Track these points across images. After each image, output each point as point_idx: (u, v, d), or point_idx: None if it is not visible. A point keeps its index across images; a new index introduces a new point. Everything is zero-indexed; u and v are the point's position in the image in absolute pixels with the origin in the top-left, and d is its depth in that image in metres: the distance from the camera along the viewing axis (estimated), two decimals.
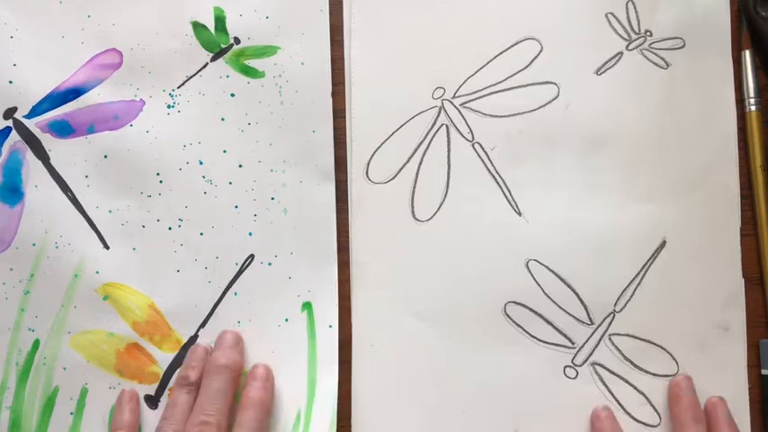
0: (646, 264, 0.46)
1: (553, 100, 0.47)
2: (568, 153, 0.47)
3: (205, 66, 0.46)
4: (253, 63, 0.46)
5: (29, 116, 0.45)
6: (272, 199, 0.45)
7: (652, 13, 0.48)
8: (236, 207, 0.45)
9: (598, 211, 0.46)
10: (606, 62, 0.47)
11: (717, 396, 0.44)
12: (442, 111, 0.47)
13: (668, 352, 0.45)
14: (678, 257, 0.46)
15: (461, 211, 0.46)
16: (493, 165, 0.47)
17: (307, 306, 0.45)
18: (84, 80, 0.45)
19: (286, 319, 0.44)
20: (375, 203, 0.47)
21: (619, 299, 0.46)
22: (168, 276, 0.45)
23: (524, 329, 0.46)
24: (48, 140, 0.45)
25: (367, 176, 0.47)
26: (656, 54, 0.47)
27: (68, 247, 0.44)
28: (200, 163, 0.45)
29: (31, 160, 0.45)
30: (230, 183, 0.45)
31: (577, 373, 0.45)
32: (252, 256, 0.45)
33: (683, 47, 0.47)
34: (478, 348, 0.45)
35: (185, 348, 0.44)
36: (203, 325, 0.44)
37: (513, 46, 0.47)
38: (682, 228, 0.46)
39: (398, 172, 0.47)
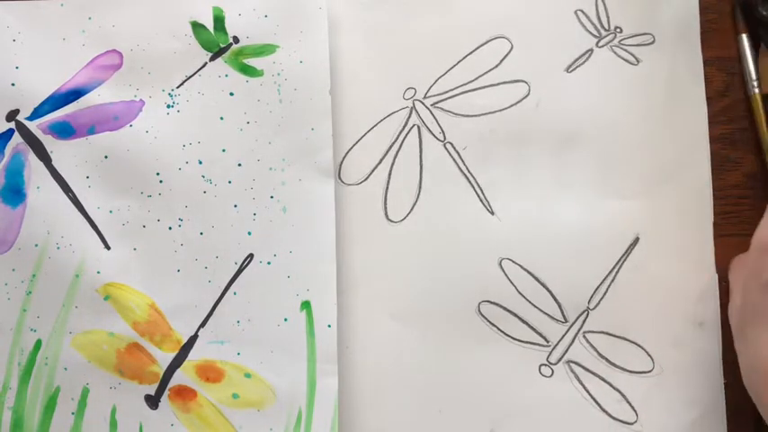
0: (619, 261, 0.46)
1: (524, 98, 0.47)
2: (540, 151, 0.47)
3: (204, 65, 0.46)
4: (251, 62, 0.46)
5: (31, 118, 0.45)
6: (272, 197, 0.45)
7: (622, 10, 0.48)
8: (236, 206, 0.45)
9: (570, 209, 0.46)
10: (576, 59, 0.47)
11: None
12: (414, 111, 0.47)
13: (643, 348, 0.45)
14: (651, 254, 0.46)
15: (434, 211, 0.46)
16: (465, 164, 0.47)
17: (306, 305, 0.44)
18: (84, 81, 0.45)
19: (285, 319, 0.44)
20: (348, 205, 0.46)
21: (592, 296, 0.46)
22: (169, 276, 0.44)
23: (499, 328, 0.45)
24: (49, 142, 0.45)
25: (339, 178, 0.47)
26: (626, 50, 0.47)
27: (70, 248, 0.44)
28: (200, 162, 0.45)
29: (33, 162, 0.45)
30: (229, 182, 0.45)
31: (552, 371, 0.45)
32: (251, 256, 0.45)
33: (652, 42, 0.47)
34: (453, 348, 0.45)
35: (185, 348, 0.44)
36: (203, 324, 0.44)
37: (483, 45, 0.47)
38: (655, 224, 0.46)
39: (371, 173, 0.47)
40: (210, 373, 0.44)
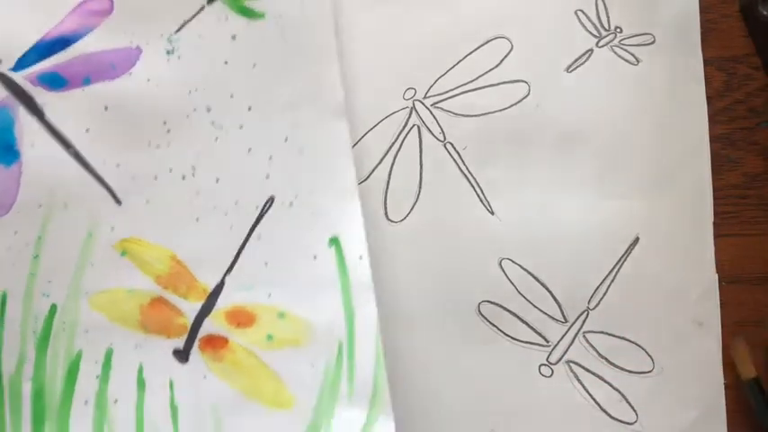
0: (619, 260, 0.46)
1: (524, 98, 0.47)
2: (540, 151, 0.47)
3: (202, 9, 0.44)
4: (251, 4, 0.44)
5: (15, 69, 0.43)
6: (286, 140, 0.44)
7: (622, 10, 0.48)
8: (250, 150, 0.43)
9: (571, 209, 0.46)
10: (576, 59, 0.47)
11: None
12: (414, 111, 0.47)
13: (643, 348, 0.45)
14: (651, 254, 0.46)
15: (434, 211, 0.46)
16: (465, 164, 0.47)
17: (334, 241, 0.43)
18: (72, 28, 0.43)
19: (314, 256, 0.43)
20: None
21: (592, 296, 0.46)
22: (187, 226, 0.43)
23: (499, 328, 0.45)
24: (40, 94, 0.43)
25: None
26: (626, 50, 0.47)
27: (78, 206, 0.42)
28: (208, 109, 0.43)
29: (23, 117, 0.42)
30: (241, 127, 0.43)
31: (552, 371, 0.45)
32: (272, 198, 0.43)
33: (653, 43, 0.47)
34: (453, 348, 0.45)
35: (213, 296, 0.42)
36: (229, 271, 0.43)
37: (483, 45, 0.47)
38: (655, 224, 0.46)
39: (371, 173, 0.47)
40: (241, 318, 0.42)
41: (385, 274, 0.46)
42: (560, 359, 0.45)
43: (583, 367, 0.45)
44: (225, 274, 0.43)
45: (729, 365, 0.45)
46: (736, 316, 0.46)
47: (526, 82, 0.47)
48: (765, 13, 0.46)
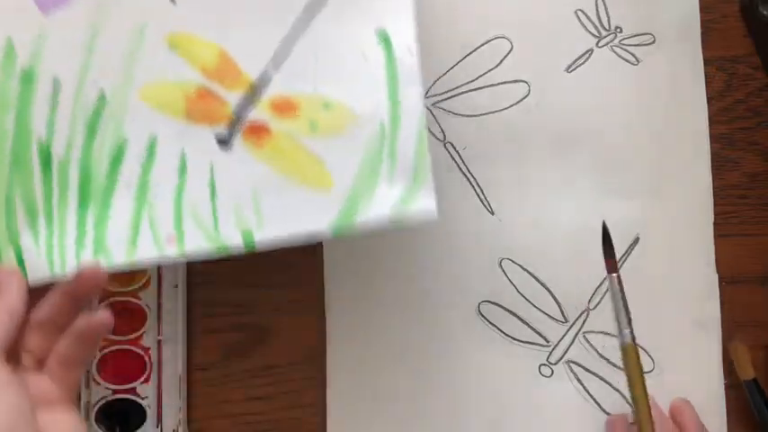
0: (619, 260, 0.46)
1: (524, 98, 0.47)
2: (540, 151, 0.47)
3: None
4: None
5: None
6: None
7: (622, 10, 0.48)
8: None
9: (571, 209, 0.46)
10: (576, 59, 0.47)
11: (681, 399, 0.44)
12: None
13: (643, 348, 0.45)
14: (652, 254, 0.46)
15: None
16: (465, 164, 0.47)
17: (383, 34, 0.41)
18: None
19: (361, 50, 0.41)
20: None
21: (593, 296, 0.46)
22: (237, 21, 0.42)
23: (499, 329, 0.45)
24: None
25: None
26: (626, 50, 0.47)
27: (133, 1, 0.42)
28: None
29: None
30: None
31: (553, 371, 0.45)
32: None
33: (653, 42, 0.47)
34: (454, 348, 0.45)
35: (257, 87, 0.41)
36: (275, 64, 0.41)
37: (483, 45, 0.47)
38: (655, 224, 0.46)
39: None
40: (285, 107, 0.41)
41: (384, 272, 0.46)
42: (560, 359, 0.45)
43: (583, 367, 0.45)
44: (270, 66, 0.42)
45: (729, 365, 0.45)
46: (736, 316, 0.46)
47: (526, 82, 0.47)
48: (765, 13, 0.46)
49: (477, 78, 0.47)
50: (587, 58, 0.47)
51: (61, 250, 0.41)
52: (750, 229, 0.47)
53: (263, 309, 0.45)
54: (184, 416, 0.44)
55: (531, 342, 0.45)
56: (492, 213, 0.46)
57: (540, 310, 0.46)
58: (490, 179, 0.46)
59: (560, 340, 0.45)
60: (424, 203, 0.38)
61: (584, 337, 0.45)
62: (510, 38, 0.47)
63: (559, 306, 0.45)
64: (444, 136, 0.47)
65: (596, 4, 0.48)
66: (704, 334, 0.45)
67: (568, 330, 0.45)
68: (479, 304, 0.46)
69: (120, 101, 0.42)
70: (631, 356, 0.42)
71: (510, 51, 0.47)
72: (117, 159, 0.42)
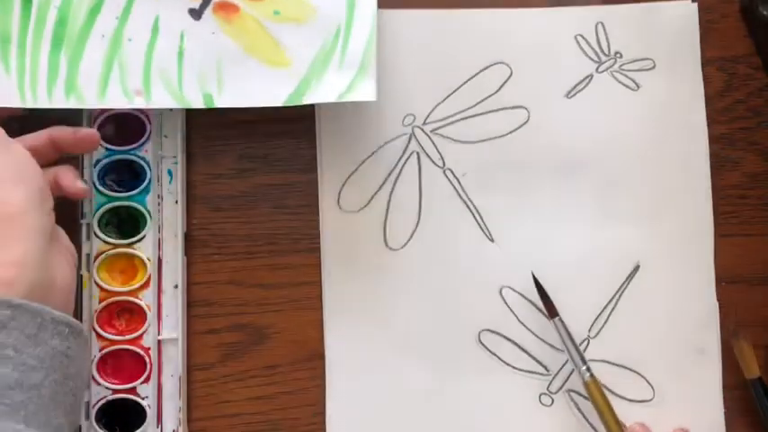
0: (620, 288, 0.46)
1: (523, 124, 0.47)
2: (540, 178, 0.46)
3: None
4: None
5: None
6: None
7: (622, 35, 0.47)
8: None
9: (570, 237, 0.46)
10: (576, 85, 0.47)
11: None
12: (413, 138, 0.47)
13: (643, 377, 0.45)
14: (652, 281, 0.46)
15: (434, 238, 0.46)
16: (464, 191, 0.46)
17: None
18: None
19: None
20: (347, 232, 0.46)
21: (593, 325, 0.46)
22: None
23: (499, 357, 0.45)
24: None
25: (339, 205, 0.46)
26: (626, 76, 0.47)
27: None
28: None
29: None
30: None
31: (553, 400, 0.45)
32: None
33: (653, 68, 0.47)
34: (453, 377, 0.45)
35: None
36: None
37: (482, 71, 0.47)
38: (655, 251, 0.46)
39: (370, 200, 0.46)
40: None
41: (384, 301, 0.46)
42: (561, 388, 0.45)
43: (583, 396, 0.45)
44: None
45: (730, 365, 0.45)
46: (736, 316, 0.46)
47: (526, 108, 0.47)
48: (765, 13, 0.46)
49: (476, 104, 0.47)
50: (587, 84, 0.47)
51: (33, 83, 0.44)
52: (750, 229, 0.47)
53: (263, 309, 0.45)
54: (184, 416, 0.44)
55: (531, 371, 0.45)
56: (492, 241, 0.46)
57: (540, 338, 0.45)
58: (490, 206, 0.46)
59: (560, 369, 0.45)
60: (366, 90, 0.43)
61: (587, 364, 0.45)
62: (509, 64, 0.47)
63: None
64: (444, 162, 0.47)
65: (596, 30, 0.47)
66: (704, 362, 0.45)
67: (569, 359, 0.45)
68: (479, 333, 0.45)
69: None
70: (595, 392, 0.43)
71: (509, 77, 0.47)
72: (95, 10, 0.45)
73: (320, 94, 0.44)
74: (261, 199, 0.46)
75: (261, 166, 0.46)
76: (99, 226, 0.45)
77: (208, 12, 0.45)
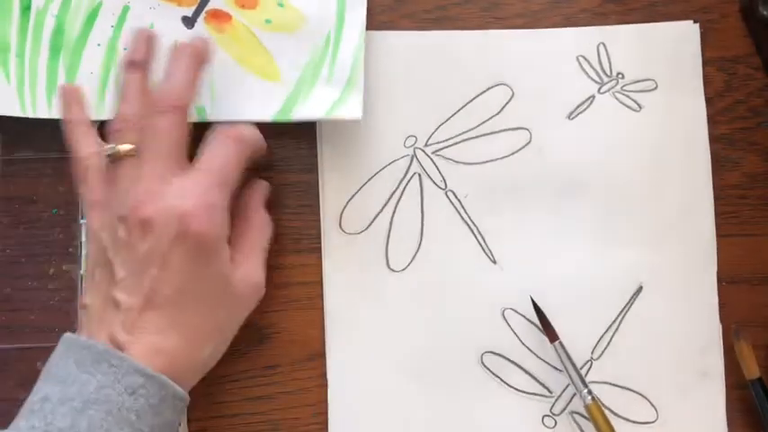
0: (622, 310, 0.46)
1: (525, 146, 0.47)
2: (542, 199, 0.46)
3: None
4: None
5: None
6: None
7: (624, 55, 0.47)
8: None
9: (573, 258, 0.46)
10: (578, 106, 0.47)
11: None
12: (415, 159, 0.47)
13: (647, 399, 0.45)
14: (655, 303, 0.46)
15: (436, 260, 0.46)
16: (466, 212, 0.46)
17: None
18: None
19: None
20: (349, 254, 0.46)
21: (596, 346, 0.45)
22: None
23: (502, 379, 0.45)
24: None
25: (340, 227, 0.46)
26: (628, 96, 0.47)
27: None
28: None
29: None
30: None
31: (556, 422, 0.45)
32: None
33: (655, 88, 0.47)
34: (456, 399, 0.45)
35: None
36: None
37: (484, 92, 0.47)
38: (658, 273, 0.46)
39: (372, 222, 0.46)
40: (246, 1, 0.47)
41: (386, 323, 0.46)
42: (564, 410, 0.45)
43: (586, 418, 0.44)
44: None
45: (731, 365, 0.45)
46: (736, 316, 0.46)
47: (527, 129, 0.47)
48: (765, 13, 0.46)
49: (478, 126, 0.47)
50: (589, 105, 0.47)
51: (33, 92, 0.45)
52: (750, 229, 0.47)
53: (263, 309, 0.45)
54: (184, 416, 0.44)
55: (534, 393, 0.45)
56: (494, 262, 0.46)
57: (542, 360, 0.45)
58: (492, 228, 0.46)
59: (564, 391, 0.45)
60: (352, 108, 0.44)
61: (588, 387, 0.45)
62: (511, 85, 0.47)
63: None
64: (446, 184, 0.47)
65: (598, 50, 0.47)
66: (708, 384, 0.45)
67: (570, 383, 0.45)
68: (482, 355, 0.45)
69: None
70: (596, 415, 0.43)
71: (511, 98, 0.47)
72: (91, 19, 0.46)
73: (308, 109, 0.45)
74: None
75: (261, 165, 0.46)
76: None
77: (200, 20, 0.46)
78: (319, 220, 0.46)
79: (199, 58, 0.42)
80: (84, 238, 0.44)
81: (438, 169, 0.47)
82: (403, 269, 0.46)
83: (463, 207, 0.46)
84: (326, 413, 0.45)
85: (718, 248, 0.46)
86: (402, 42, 0.47)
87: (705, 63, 0.47)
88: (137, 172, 0.39)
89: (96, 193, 0.40)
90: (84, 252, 0.44)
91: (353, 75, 0.45)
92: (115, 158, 0.40)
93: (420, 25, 0.48)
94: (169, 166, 0.39)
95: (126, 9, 0.46)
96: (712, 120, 0.47)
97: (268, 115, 0.44)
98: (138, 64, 0.42)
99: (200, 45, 0.42)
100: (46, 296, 0.46)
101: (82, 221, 0.45)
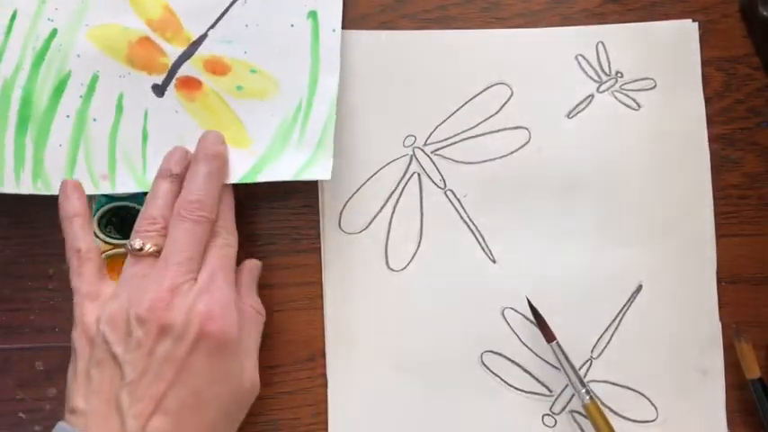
0: (622, 309, 0.46)
1: (524, 145, 0.47)
2: (541, 198, 0.46)
3: None
4: None
5: None
6: None
7: (622, 54, 0.47)
8: None
9: (573, 257, 0.46)
10: (577, 105, 0.47)
11: None
12: (414, 159, 0.47)
13: (647, 398, 0.45)
14: (654, 301, 0.46)
15: (436, 259, 0.46)
16: (466, 212, 0.46)
17: (312, 14, 0.46)
18: None
19: (292, 25, 0.46)
20: (349, 254, 0.46)
21: (596, 345, 0.45)
22: None
23: (502, 378, 0.45)
24: None
25: (340, 227, 0.46)
26: (627, 95, 0.47)
27: None
28: None
29: None
30: None
31: (556, 421, 0.45)
32: None
33: (654, 87, 0.47)
34: (456, 398, 0.45)
35: (195, 44, 0.46)
36: (213, 26, 0.46)
37: (483, 91, 0.47)
38: (657, 271, 0.46)
39: (371, 221, 0.46)
40: (217, 67, 0.46)
41: (386, 323, 0.46)
42: (564, 409, 0.45)
43: (587, 417, 0.44)
44: (209, 28, 0.46)
45: (731, 365, 0.45)
46: (736, 316, 0.46)
47: (527, 128, 0.47)
48: (765, 13, 0.46)
49: (477, 125, 0.47)
50: (588, 104, 0.47)
51: (0, 167, 0.44)
52: (750, 229, 0.47)
53: (264, 308, 0.45)
54: None
55: (534, 392, 0.45)
56: (494, 262, 0.46)
57: (542, 359, 0.45)
58: (492, 227, 0.46)
59: (563, 390, 0.45)
60: (322, 169, 0.44)
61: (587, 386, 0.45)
62: (510, 84, 0.47)
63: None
64: (445, 183, 0.47)
65: (597, 49, 0.47)
66: (708, 382, 0.45)
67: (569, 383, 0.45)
68: (482, 354, 0.45)
69: (69, 38, 0.46)
70: (595, 414, 0.43)
71: (510, 97, 0.47)
72: (59, 89, 0.45)
73: (276, 172, 0.44)
74: (261, 199, 0.47)
75: None
76: (99, 226, 0.45)
77: (171, 88, 0.46)
78: (319, 220, 0.46)
79: (220, 162, 0.43)
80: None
81: (437, 169, 0.47)
82: (402, 269, 0.46)
83: (462, 206, 0.46)
84: (326, 413, 0.45)
85: (718, 248, 0.46)
86: (402, 42, 0.47)
87: (704, 63, 0.47)
88: (157, 272, 0.40)
89: (92, 286, 0.41)
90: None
91: (324, 137, 0.44)
92: (137, 255, 0.40)
93: (420, 25, 0.48)
94: (190, 270, 0.40)
95: (95, 78, 0.45)
96: (712, 120, 0.47)
97: (235, 177, 0.44)
98: (175, 176, 0.42)
99: (221, 150, 0.44)
100: (46, 296, 0.46)
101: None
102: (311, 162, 0.44)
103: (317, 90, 0.45)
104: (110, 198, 0.45)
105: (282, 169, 0.44)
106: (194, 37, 0.46)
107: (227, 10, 0.46)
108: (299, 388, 0.46)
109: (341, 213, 0.46)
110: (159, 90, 0.46)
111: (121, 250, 0.45)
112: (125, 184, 0.45)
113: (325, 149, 0.44)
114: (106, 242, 0.45)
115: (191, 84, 0.46)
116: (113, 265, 0.45)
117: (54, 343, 0.46)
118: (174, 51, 0.46)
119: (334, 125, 0.44)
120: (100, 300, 0.40)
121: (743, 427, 0.45)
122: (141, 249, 0.40)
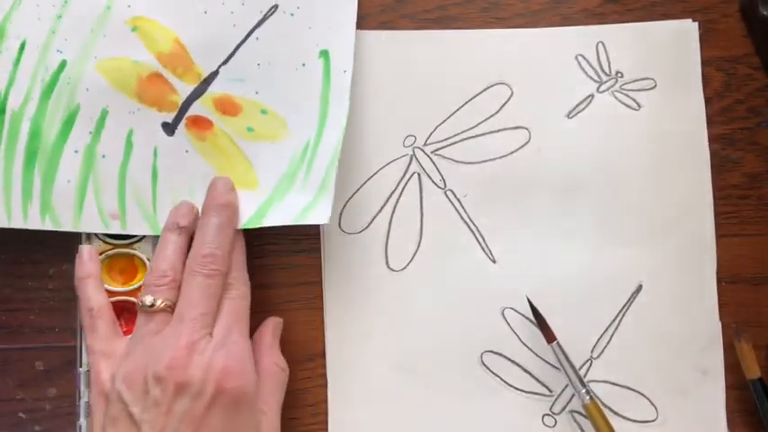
0: (622, 309, 0.46)
1: (525, 145, 0.47)
2: (541, 198, 0.46)
3: None
4: None
5: None
6: None
7: (622, 54, 0.47)
8: None
9: (573, 257, 0.46)
10: (577, 105, 0.47)
11: None
12: (414, 159, 0.47)
13: (647, 398, 0.45)
14: (655, 301, 0.46)
15: (436, 259, 0.46)
16: (466, 212, 0.46)
17: (324, 54, 0.45)
18: None
19: (303, 64, 0.45)
20: (349, 254, 0.46)
21: (596, 345, 0.45)
22: (195, 15, 0.45)
23: (502, 378, 0.45)
24: None
25: (340, 227, 0.46)
26: (627, 95, 0.47)
27: None
28: None
29: None
30: None
31: (556, 421, 0.45)
32: (276, 6, 0.45)
33: (654, 87, 0.47)
34: (456, 398, 0.45)
35: (206, 82, 0.45)
36: (225, 62, 0.45)
37: (483, 91, 0.47)
38: (658, 271, 0.46)
39: (371, 221, 0.46)
40: (228, 107, 0.45)
41: (386, 323, 0.46)
42: (564, 409, 0.45)
43: (587, 417, 0.44)
44: (221, 65, 0.45)
45: (731, 365, 0.45)
46: (736, 316, 0.46)
47: (527, 128, 0.47)
48: (765, 13, 0.46)
49: (477, 125, 0.47)
50: (588, 104, 0.47)
51: (7, 202, 0.44)
52: (750, 229, 0.47)
53: (263, 309, 0.45)
54: None
55: (534, 392, 0.45)
56: (494, 262, 0.46)
57: (542, 359, 0.45)
58: (492, 227, 0.46)
59: (563, 390, 0.45)
60: (321, 213, 0.43)
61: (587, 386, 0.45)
62: (510, 84, 0.47)
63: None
64: (445, 183, 0.47)
65: (597, 49, 0.47)
66: (708, 382, 0.45)
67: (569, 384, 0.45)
68: (482, 354, 0.45)
69: (79, 70, 0.45)
70: (595, 415, 0.43)
71: (510, 97, 0.47)
72: (68, 123, 0.45)
73: (279, 216, 0.43)
74: None
75: None
76: None
77: (181, 127, 0.45)
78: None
79: (231, 211, 0.43)
80: (81, 386, 0.44)
81: (437, 169, 0.47)
82: (402, 269, 0.46)
83: (462, 206, 0.46)
84: (326, 413, 0.45)
85: (718, 248, 0.46)
86: (402, 42, 0.47)
87: (704, 63, 0.47)
88: (172, 330, 0.40)
89: (106, 345, 0.41)
90: (83, 401, 0.43)
91: (326, 179, 0.44)
92: (149, 312, 0.40)
93: (420, 25, 0.48)
94: (205, 325, 0.40)
95: (105, 113, 0.45)
96: (712, 120, 0.47)
97: (241, 222, 0.44)
98: (183, 228, 0.42)
99: (232, 199, 0.43)
100: (46, 296, 0.46)
101: (81, 370, 0.44)
102: (312, 205, 0.43)
103: (324, 131, 0.45)
104: None
105: (285, 212, 0.44)
106: (205, 73, 0.45)
107: (239, 46, 0.45)
108: (299, 388, 0.46)
109: (341, 213, 0.46)
110: (170, 129, 0.45)
111: (121, 250, 0.45)
112: (137, 226, 0.44)
113: (326, 192, 0.43)
114: (106, 242, 0.45)
115: (201, 123, 0.45)
116: (114, 264, 0.45)
117: (54, 343, 0.46)
118: (184, 88, 0.45)
119: (336, 165, 0.44)
120: (114, 358, 0.41)
121: (743, 427, 0.45)
122: (153, 306, 0.40)
